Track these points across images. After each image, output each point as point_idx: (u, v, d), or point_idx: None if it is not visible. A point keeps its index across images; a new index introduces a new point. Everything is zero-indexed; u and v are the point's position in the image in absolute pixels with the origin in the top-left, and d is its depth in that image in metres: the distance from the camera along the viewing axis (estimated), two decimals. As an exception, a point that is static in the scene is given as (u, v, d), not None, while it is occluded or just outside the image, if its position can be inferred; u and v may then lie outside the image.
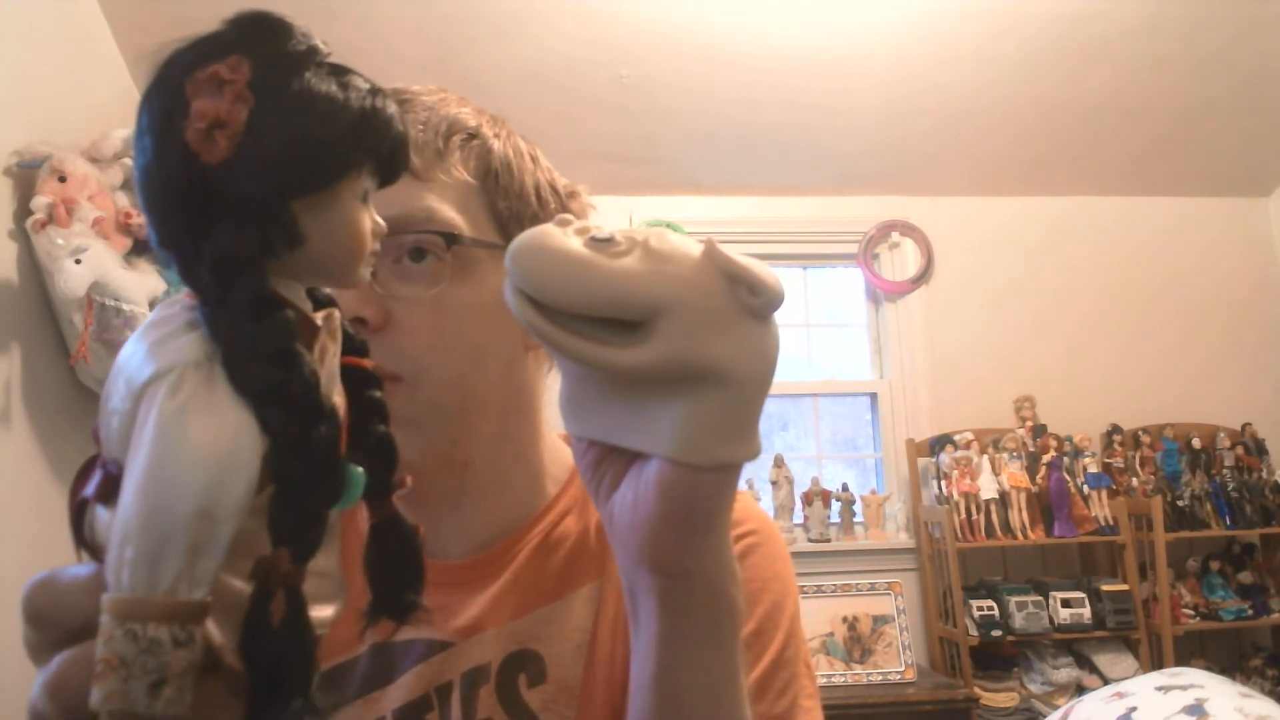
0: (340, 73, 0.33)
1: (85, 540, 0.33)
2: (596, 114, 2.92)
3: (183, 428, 0.29)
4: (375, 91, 0.34)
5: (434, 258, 0.61)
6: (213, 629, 0.30)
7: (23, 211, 1.98)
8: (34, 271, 2.00)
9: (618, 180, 3.18)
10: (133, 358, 0.31)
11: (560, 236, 0.38)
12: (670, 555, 0.42)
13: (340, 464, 0.33)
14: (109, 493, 0.31)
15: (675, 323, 0.37)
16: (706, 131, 3.05)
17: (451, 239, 0.61)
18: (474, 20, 2.58)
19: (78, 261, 1.92)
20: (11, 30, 2.05)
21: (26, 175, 2.00)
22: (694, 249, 0.39)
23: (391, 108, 0.34)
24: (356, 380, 0.39)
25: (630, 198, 3.24)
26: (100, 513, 0.33)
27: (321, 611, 0.35)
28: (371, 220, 0.35)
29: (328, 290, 0.38)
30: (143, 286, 2.03)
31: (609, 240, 0.38)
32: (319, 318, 0.35)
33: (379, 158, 0.34)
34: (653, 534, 0.41)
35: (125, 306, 1.99)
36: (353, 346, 0.39)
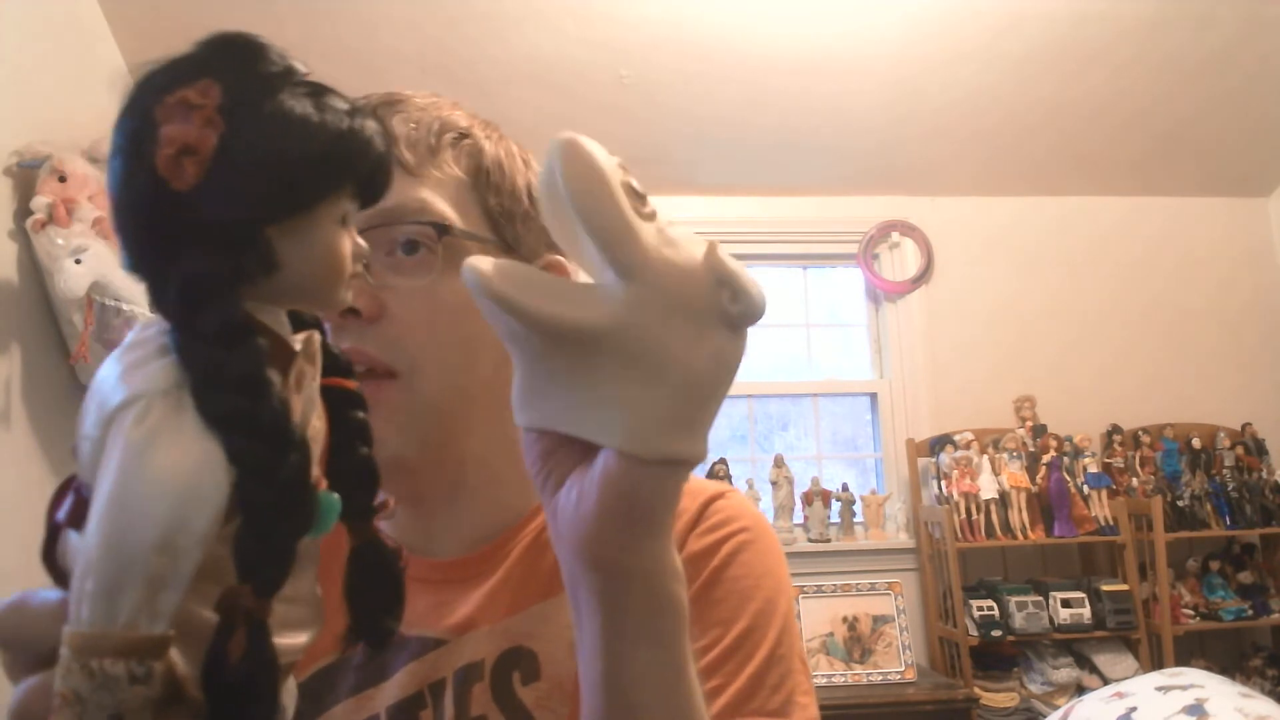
0: (318, 93, 0.32)
1: (56, 565, 0.33)
2: (597, 114, 2.91)
3: (147, 457, 0.29)
4: (355, 112, 0.33)
5: (426, 250, 0.62)
6: (179, 660, 0.29)
7: (23, 211, 1.99)
8: (34, 271, 2.00)
9: (618, 180, 3.18)
10: (105, 381, 0.31)
11: (610, 161, 0.38)
12: (609, 551, 0.41)
13: (311, 493, 0.32)
14: (80, 517, 0.30)
15: (647, 295, 0.37)
16: (706, 131, 3.05)
17: (443, 229, 0.62)
18: (474, 21, 2.58)
19: (78, 261, 1.92)
20: (11, 30, 2.05)
21: (26, 175, 2.00)
22: (698, 247, 0.39)
23: (371, 127, 0.33)
24: (340, 401, 0.38)
25: (630, 198, 3.24)
26: (72, 537, 0.32)
27: (294, 639, 0.35)
28: (352, 242, 0.35)
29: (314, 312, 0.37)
30: (143, 287, 2.03)
31: (642, 196, 0.38)
32: (298, 341, 0.35)
33: (358, 179, 0.33)
34: (593, 528, 0.40)
35: (125, 306, 2.00)
36: (336, 367, 0.38)
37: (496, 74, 2.72)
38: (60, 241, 1.93)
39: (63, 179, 1.97)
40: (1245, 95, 3.08)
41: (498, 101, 2.75)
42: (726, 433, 3.35)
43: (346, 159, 0.32)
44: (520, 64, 2.71)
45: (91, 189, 2.01)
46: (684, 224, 3.30)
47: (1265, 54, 2.92)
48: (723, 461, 3.07)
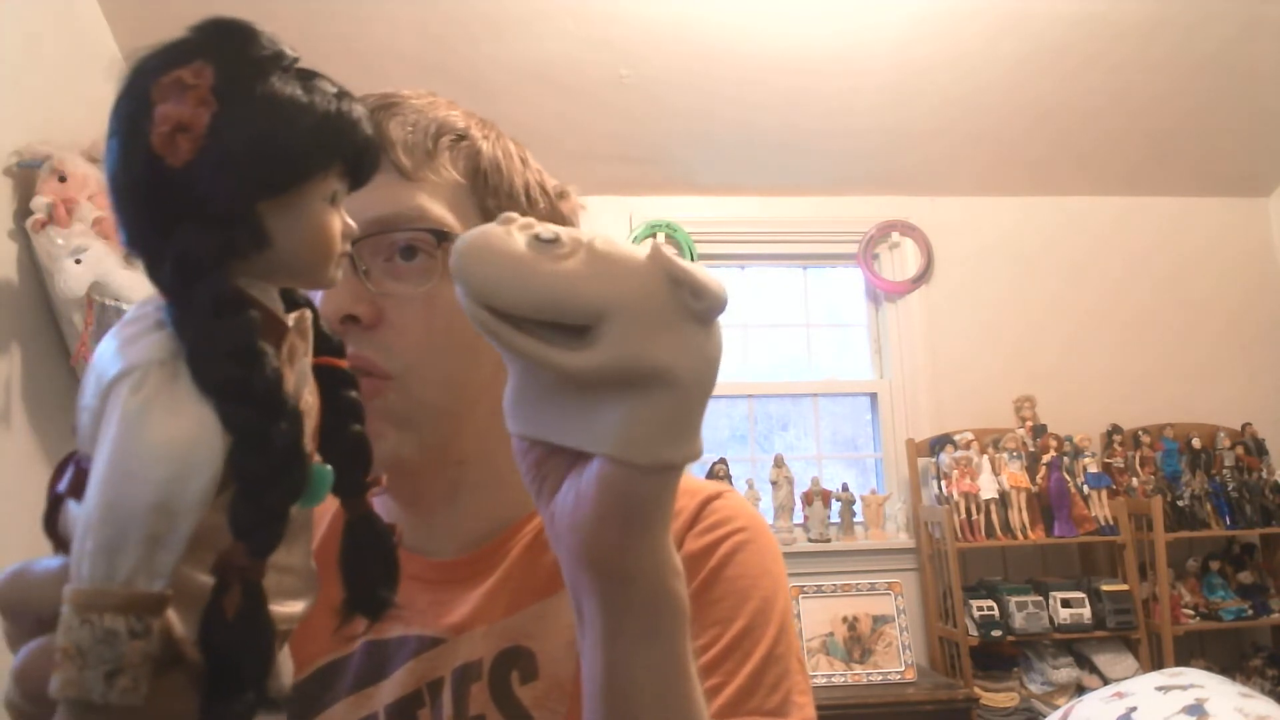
0: (307, 77, 0.34)
1: (57, 534, 0.34)
2: (597, 114, 2.92)
3: (143, 424, 0.30)
4: (342, 95, 0.34)
5: (425, 255, 0.62)
6: (176, 622, 0.30)
7: (23, 211, 1.99)
8: (34, 271, 2.00)
9: (618, 180, 3.18)
10: (103, 355, 0.32)
11: (503, 236, 0.38)
12: (609, 555, 0.42)
13: (302, 460, 0.33)
14: (80, 487, 0.31)
15: (618, 326, 0.37)
16: (706, 131, 3.05)
17: (441, 236, 0.62)
18: (475, 20, 2.58)
19: (78, 261, 1.92)
20: (11, 30, 2.05)
21: (26, 175, 2.00)
22: (639, 252, 0.38)
23: (358, 110, 0.34)
24: (332, 380, 0.39)
25: (630, 198, 3.24)
26: (72, 507, 0.33)
27: (290, 607, 0.36)
28: (342, 222, 0.36)
29: (307, 293, 0.38)
30: (143, 286, 2.03)
31: (553, 241, 0.38)
32: (291, 318, 0.36)
33: (346, 160, 0.34)
34: (591, 534, 0.41)
35: (125, 306, 1.99)
36: (330, 347, 0.39)
37: (497, 73, 2.72)
38: (60, 241, 1.93)
39: (63, 179, 1.97)
40: (1245, 95, 3.08)
41: (498, 101, 2.75)
42: (726, 433, 3.35)
43: (334, 139, 0.33)
44: (521, 63, 2.71)
45: (91, 189, 2.01)
46: (684, 224, 3.29)
47: (1265, 54, 2.92)
48: (723, 461, 3.07)
